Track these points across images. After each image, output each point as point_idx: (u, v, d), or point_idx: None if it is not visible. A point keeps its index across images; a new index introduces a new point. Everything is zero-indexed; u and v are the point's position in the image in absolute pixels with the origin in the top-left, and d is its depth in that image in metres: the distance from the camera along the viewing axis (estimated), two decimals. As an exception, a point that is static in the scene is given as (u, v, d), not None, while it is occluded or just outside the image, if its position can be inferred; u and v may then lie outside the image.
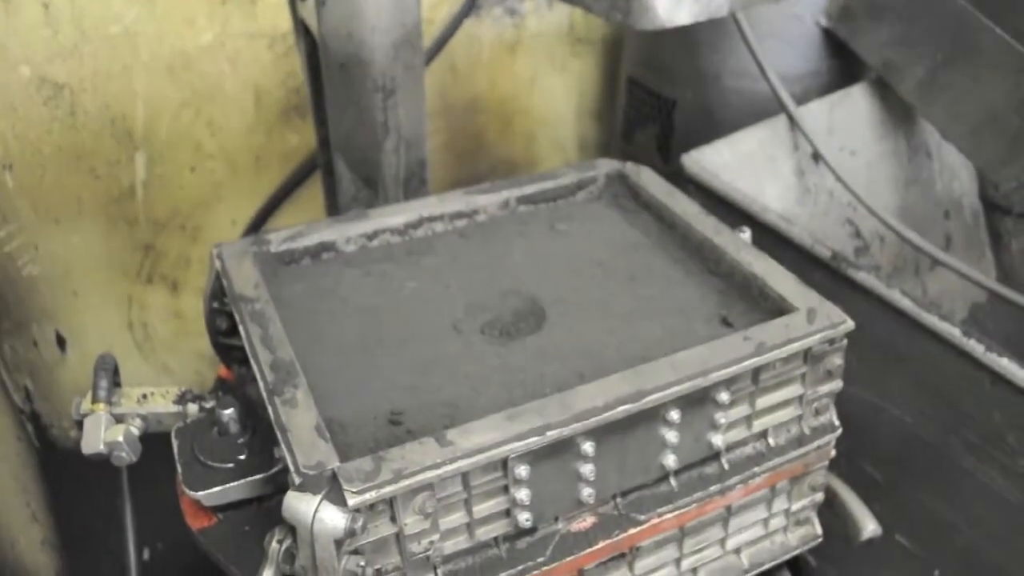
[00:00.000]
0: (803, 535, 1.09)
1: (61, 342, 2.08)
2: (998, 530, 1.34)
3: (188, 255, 2.13)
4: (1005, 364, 1.23)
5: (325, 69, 1.23)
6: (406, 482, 0.72)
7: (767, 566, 1.06)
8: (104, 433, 0.92)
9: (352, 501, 0.70)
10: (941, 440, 1.37)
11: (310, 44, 1.31)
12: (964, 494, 1.37)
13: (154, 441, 0.99)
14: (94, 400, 0.95)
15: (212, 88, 1.95)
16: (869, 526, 1.17)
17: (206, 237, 2.12)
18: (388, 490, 0.71)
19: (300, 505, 0.70)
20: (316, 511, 0.69)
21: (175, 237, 2.09)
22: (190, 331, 2.22)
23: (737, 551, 1.04)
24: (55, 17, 1.72)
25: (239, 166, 2.08)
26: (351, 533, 0.71)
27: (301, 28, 1.32)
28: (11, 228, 1.88)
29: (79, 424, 0.96)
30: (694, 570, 1.02)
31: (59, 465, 2.07)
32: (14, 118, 1.77)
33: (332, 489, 0.70)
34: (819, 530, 1.10)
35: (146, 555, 1.80)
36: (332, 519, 0.69)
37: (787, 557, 1.08)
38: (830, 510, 1.15)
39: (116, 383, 1.00)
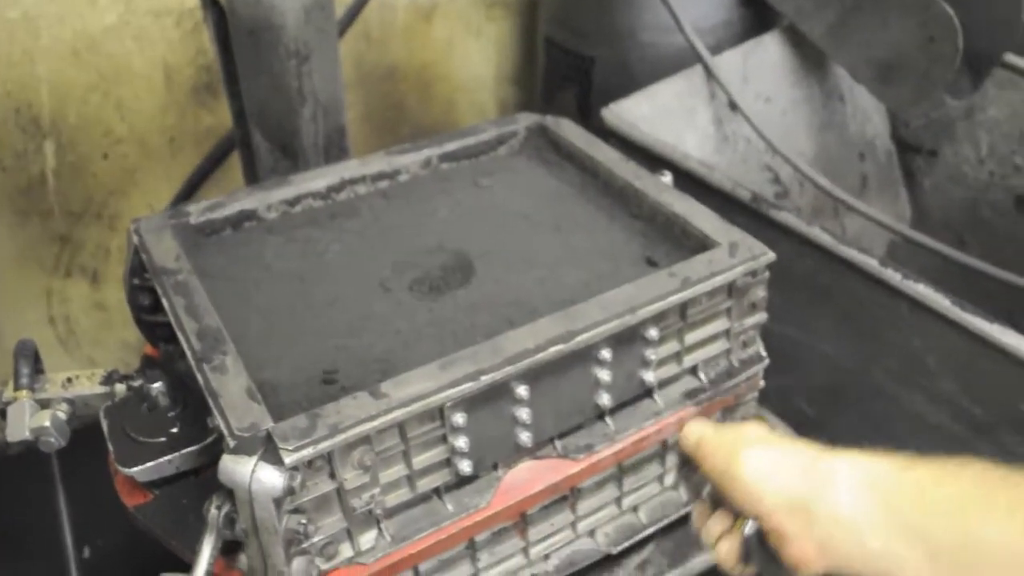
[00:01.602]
0: (739, 467, 1.11)
1: (-22, 340, 2.02)
2: (922, 451, 1.39)
3: (107, 245, 2.07)
4: (922, 290, 1.28)
5: (235, 37, 1.20)
6: (342, 436, 0.72)
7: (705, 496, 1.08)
8: (29, 420, 0.90)
9: (288, 459, 0.70)
10: (866, 370, 1.42)
11: (217, 13, 1.27)
12: (890, 419, 1.42)
13: (86, 438, 0.97)
14: (16, 387, 0.93)
15: (119, 69, 1.89)
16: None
17: (124, 225, 2.05)
18: (324, 446, 0.71)
19: (236, 467, 0.69)
20: (253, 472, 0.69)
21: (92, 227, 2.03)
22: (114, 322, 2.16)
23: (675, 486, 1.06)
24: (-55, 2, 1.65)
25: (153, 149, 2.02)
26: (290, 492, 0.70)
27: (207, -4, 1.29)
28: (-83, 227, 1.81)
29: (1, 413, 0.93)
30: (635, 508, 1.04)
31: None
32: (-90, 110, 1.70)
33: (267, 449, 0.70)
34: (753, 460, 1.13)
35: (86, 553, 1.76)
36: (269, 479, 0.69)
37: (725, 489, 1.10)
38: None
39: (39, 369, 0.97)
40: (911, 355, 1.34)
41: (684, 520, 1.12)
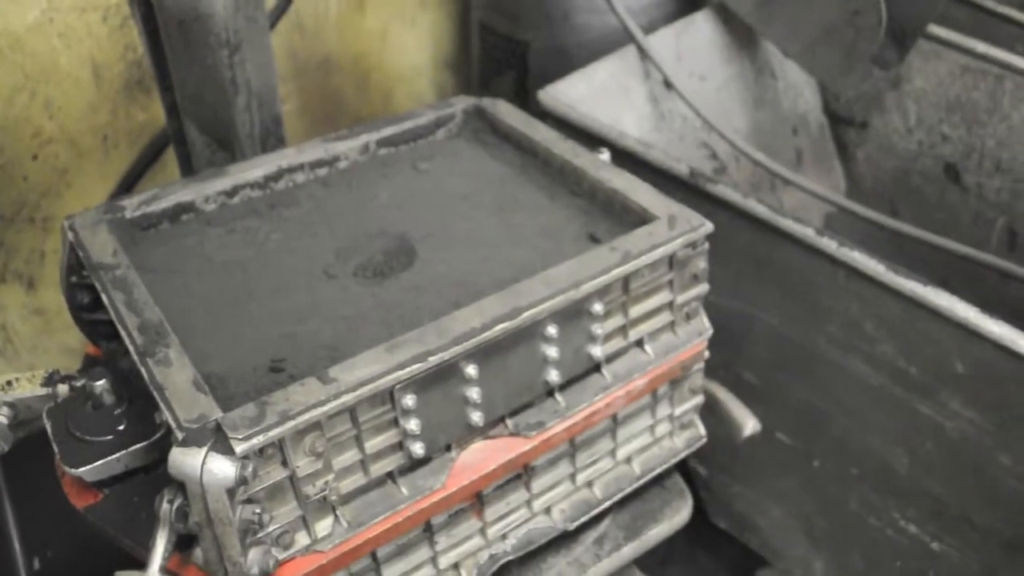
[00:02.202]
0: (688, 437, 1.13)
1: (-90, 355, 1.96)
2: (865, 414, 1.43)
3: (41, 248, 2.02)
4: (857, 257, 1.31)
5: (164, 29, 1.18)
6: (292, 423, 0.71)
7: (658, 471, 1.10)
8: (-32, 424, 0.88)
9: (239, 448, 0.69)
10: (807, 338, 1.45)
11: (145, 5, 1.25)
12: (833, 385, 1.45)
13: (31, 446, 0.95)
14: (-47, 392, 0.90)
15: (45, 68, 1.84)
16: (749, 423, 1.23)
17: (58, 227, 2.02)
18: (275, 433, 0.71)
19: (186, 459, 0.69)
20: (204, 463, 0.68)
21: (25, 231, 1.98)
22: (54, 327, 2.11)
23: (628, 460, 1.08)
24: None
25: (85, 149, 1.98)
26: (242, 481, 0.70)
27: (132, -11, 1.27)
28: None
29: (-60, 420, 0.91)
30: (589, 483, 1.05)
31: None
32: None
33: (217, 440, 0.69)
34: (703, 431, 1.15)
35: (36, 564, 1.73)
36: (221, 469, 0.68)
37: (676, 460, 1.12)
38: (712, 415, 1.20)
39: (-25, 374, 0.95)
40: (850, 321, 1.38)
41: (638, 494, 1.14)
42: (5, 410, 0.91)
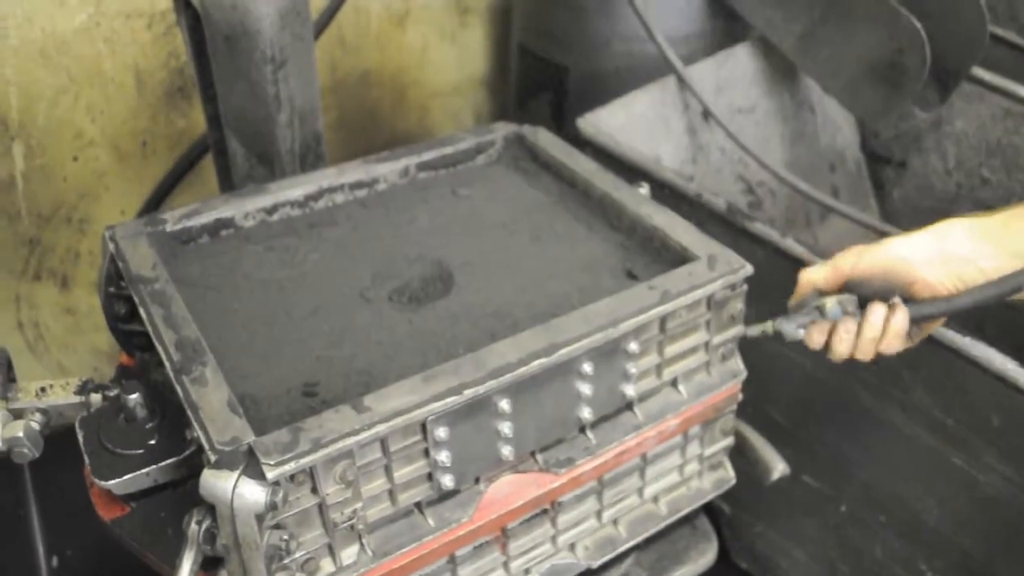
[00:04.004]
0: (717, 479, 1.12)
1: (-57, 347, 1.97)
2: (895, 462, 1.41)
3: (77, 248, 2.04)
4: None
5: (210, 43, 1.19)
6: (325, 451, 0.71)
7: (685, 511, 1.09)
8: (2, 430, 0.88)
9: (271, 474, 0.69)
10: (840, 381, 1.43)
11: (192, 17, 1.26)
12: (864, 431, 1.43)
13: (58, 444, 0.95)
14: (-12, 396, 0.91)
15: (90, 72, 1.87)
16: (779, 466, 1.21)
17: (94, 229, 2.04)
18: (307, 460, 0.70)
19: (218, 482, 0.68)
20: (235, 487, 0.68)
21: (62, 230, 2.00)
22: (84, 327, 2.13)
23: (655, 499, 1.07)
24: (-88, 2, 1.62)
25: (124, 153, 2.00)
26: (272, 507, 0.70)
27: (182, 1, 1.28)
28: None
29: (-27, 424, 0.91)
30: (615, 522, 1.04)
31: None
32: None
33: (249, 464, 0.69)
34: (732, 473, 1.14)
35: (55, 562, 1.74)
36: (252, 494, 0.68)
37: (703, 502, 1.11)
38: (741, 455, 1.19)
39: (11, 378, 0.95)
40: (886, 368, 1.36)
41: (663, 534, 1.13)
42: (38, 416, 0.92)
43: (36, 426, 0.91)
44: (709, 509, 1.44)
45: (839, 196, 2.20)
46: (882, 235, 1.86)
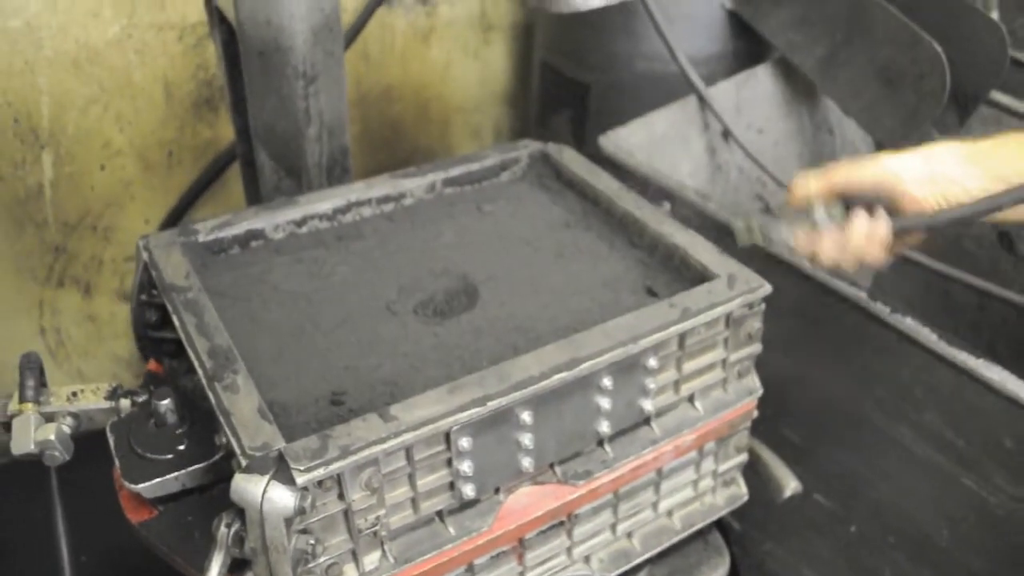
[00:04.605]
0: (730, 495, 1.14)
1: (-33, 352, 2.01)
2: (907, 482, 1.42)
3: (100, 256, 2.07)
4: (909, 324, 1.30)
5: (244, 57, 1.22)
6: (353, 458, 0.73)
7: (698, 526, 1.10)
8: (35, 433, 0.91)
9: (300, 479, 0.71)
10: (853, 400, 1.44)
11: (226, 32, 1.29)
12: (876, 450, 1.44)
13: (83, 447, 0.97)
14: (21, 400, 0.93)
15: (120, 82, 1.90)
16: (791, 484, 1.23)
17: (119, 238, 2.07)
18: (335, 467, 0.72)
19: (248, 486, 0.70)
20: (265, 491, 0.70)
21: (86, 238, 2.03)
22: (104, 334, 2.16)
23: (669, 514, 1.08)
24: (-50, 12, 1.66)
25: (151, 162, 2.03)
26: (301, 511, 0.72)
27: (216, 16, 1.31)
28: (-90, 233, 1.81)
29: (6, 426, 0.94)
30: (630, 535, 1.05)
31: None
32: (-90, 118, 1.71)
33: (279, 469, 0.71)
34: (744, 490, 1.15)
35: (83, 559, 1.76)
36: (281, 499, 0.70)
37: (716, 517, 1.13)
38: (754, 472, 1.20)
39: (42, 383, 0.98)
40: (899, 387, 1.37)
41: (676, 548, 1.14)
42: (69, 420, 0.94)
43: (67, 430, 0.93)
44: (719, 525, 1.46)
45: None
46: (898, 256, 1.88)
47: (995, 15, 1.87)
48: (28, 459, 0.92)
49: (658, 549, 1.06)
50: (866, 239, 0.99)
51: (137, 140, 1.98)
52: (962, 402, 1.29)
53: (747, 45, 2.01)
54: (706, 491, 1.11)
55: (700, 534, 1.16)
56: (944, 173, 0.97)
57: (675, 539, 1.08)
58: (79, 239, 2.01)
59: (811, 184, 1.02)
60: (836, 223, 0.99)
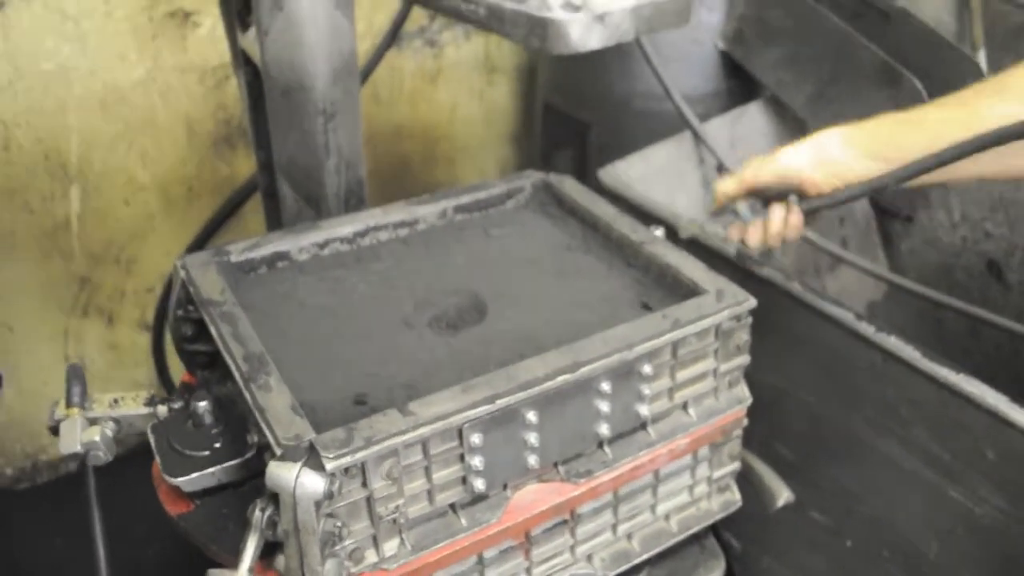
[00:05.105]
0: (724, 501, 1.20)
1: (-4, 378, 2.09)
2: (898, 496, 1.48)
3: (123, 287, 2.16)
4: (893, 342, 1.38)
5: (268, 96, 1.31)
6: (375, 448, 0.81)
7: (694, 530, 1.17)
8: (80, 435, 0.99)
9: (329, 465, 0.79)
10: (843, 417, 1.51)
11: (251, 73, 1.39)
12: (867, 466, 1.51)
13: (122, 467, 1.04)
14: (68, 405, 1.01)
15: (144, 121, 2.01)
16: (784, 494, 1.30)
17: (140, 269, 2.16)
18: (360, 455, 0.80)
19: (282, 472, 0.78)
20: (297, 477, 0.78)
21: (110, 270, 2.13)
22: (125, 362, 2.25)
23: (667, 517, 1.15)
24: (-11, 55, 1.77)
25: (172, 197, 2.13)
26: (329, 496, 0.79)
27: (241, 58, 1.41)
28: (-56, 264, 1.91)
29: (53, 430, 1.02)
30: (629, 536, 1.12)
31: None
32: (-52, 154, 1.81)
33: (310, 457, 0.79)
34: (738, 496, 1.22)
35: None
36: (312, 483, 0.78)
37: (711, 521, 1.19)
38: (748, 484, 1.27)
39: (86, 391, 1.06)
40: (885, 404, 1.44)
41: (674, 551, 1.21)
42: (111, 424, 1.02)
43: (110, 433, 1.02)
44: (719, 540, 1.52)
45: (848, 248, 2.30)
46: (890, 284, 1.96)
47: (982, 53, 1.97)
48: (75, 459, 1.00)
49: (656, 550, 1.13)
50: (783, 224, 1.17)
51: (159, 176, 2.08)
52: (946, 417, 1.36)
53: (740, 84, 2.12)
54: (701, 496, 1.18)
55: (697, 539, 1.23)
56: (831, 157, 1.13)
57: (672, 541, 1.15)
58: (103, 270, 2.10)
59: (729, 187, 1.20)
60: (757, 215, 1.17)
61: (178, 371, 1.72)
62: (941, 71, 1.83)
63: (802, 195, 1.16)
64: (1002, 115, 0.99)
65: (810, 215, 1.20)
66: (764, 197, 1.19)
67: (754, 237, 1.21)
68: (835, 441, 1.54)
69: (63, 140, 1.92)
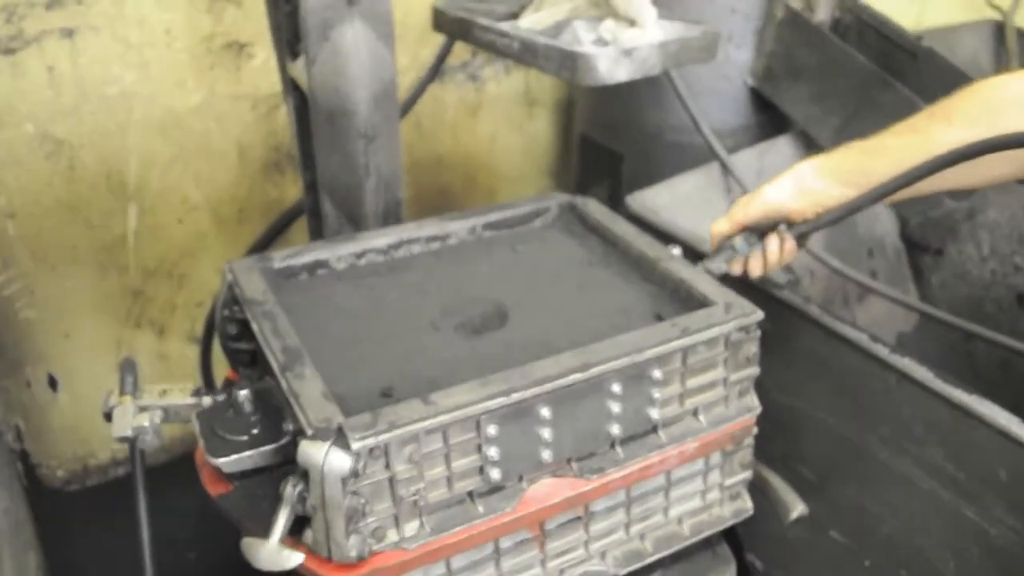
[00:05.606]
0: (736, 508, 1.25)
1: (53, 383, 2.20)
2: (913, 516, 1.51)
3: (174, 301, 2.27)
4: (907, 364, 1.42)
5: (314, 120, 1.41)
6: (398, 431, 0.88)
7: (705, 534, 1.22)
8: (132, 420, 1.08)
9: (355, 446, 0.86)
10: (860, 438, 1.55)
11: (299, 99, 1.49)
12: (884, 485, 1.54)
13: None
14: (121, 393, 1.10)
15: (199, 145, 2.12)
16: (798, 507, 1.34)
17: (191, 285, 2.27)
18: (384, 437, 0.88)
19: (313, 450, 0.86)
20: (326, 455, 0.86)
21: (162, 284, 2.23)
22: (174, 373, 2.34)
23: (679, 521, 1.21)
24: (58, 79, 1.89)
25: (223, 217, 2.24)
26: (354, 474, 0.87)
27: (290, 85, 1.51)
28: (10, 274, 2.02)
29: (107, 416, 1.11)
30: (642, 536, 1.18)
31: (44, 504, 2.18)
32: (18, 171, 1.92)
33: (338, 437, 0.87)
34: (750, 504, 1.27)
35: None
36: (339, 460, 0.86)
37: (723, 527, 1.24)
38: (763, 496, 1.32)
39: (137, 382, 1.15)
40: (901, 424, 1.47)
41: (686, 555, 1.26)
42: (159, 412, 1.11)
43: (158, 420, 1.10)
44: (741, 560, 1.55)
45: (878, 280, 2.33)
46: (920, 315, 1.98)
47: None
48: (126, 442, 1.08)
49: (668, 551, 1.18)
50: (779, 251, 1.27)
51: (212, 197, 2.19)
52: (959, 437, 1.39)
53: (769, 119, 2.17)
54: (713, 503, 1.23)
55: (709, 544, 1.28)
56: (809, 187, 1.22)
57: (684, 544, 1.20)
58: (156, 285, 2.21)
59: (722, 226, 1.29)
60: (753, 248, 1.26)
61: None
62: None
63: (789, 223, 1.26)
64: (954, 140, 1.09)
65: (801, 239, 1.30)
66: (756, 230, 1.28)
67: (755, 267, 1.29)
68: (853, 461, 1.58)
69: (123, 161, 2.03)
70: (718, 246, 1.29)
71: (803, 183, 1.23)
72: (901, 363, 1.42)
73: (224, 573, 2.10)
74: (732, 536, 1.41)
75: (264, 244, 2.25)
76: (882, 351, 1.44)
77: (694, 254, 1.54)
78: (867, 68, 1.95)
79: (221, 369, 2.12)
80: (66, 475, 2.30)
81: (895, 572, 1.56)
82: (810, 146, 2.13)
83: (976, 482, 1.39)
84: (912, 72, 1.97)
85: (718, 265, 1.26)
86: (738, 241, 1.27)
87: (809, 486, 1.65)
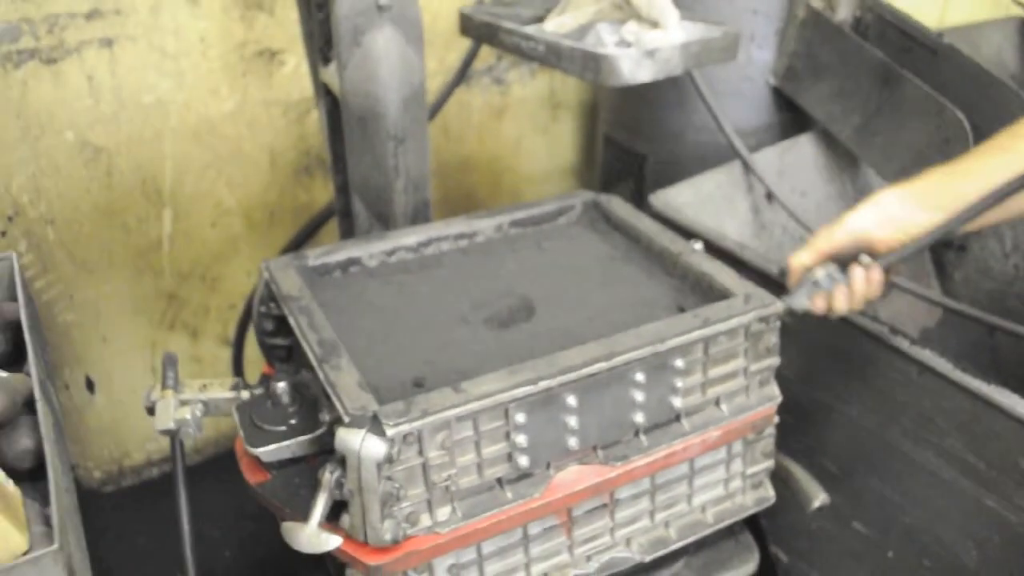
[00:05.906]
0: (758, 497, 1.28)
1: (90, 385, 2.26)
2: (936, 506, 1.53)
3: (207, 304, 2.32)
4: (928, 356, 1.44)
5: (345, 123, 1.46)
6: (430, 418, 0.92)
7: (728, 522, 1.25)
8: (174, 412, 1.12)
9: (390, 432, 0.90)
10: (883, 430, 1.57)
11: (331, 103, 1.54)
12: (906, 476, 1.56)
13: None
14: (163, 387, 1.15)
15: (232, 150, 2.17)
16: (820, 495, 1.36)
17: (223, 288, 2.32)
18: (417, 424, 0.92)
19: (350, 437, 0.90)
20: (363, 441, 0.90)
21: (196, 287, 2.29)
22: (207, 374, 2.40)
23: (703, 509, 1.24)
24: (97, 88, 1.95)
25: (254, 221, 2.29)
26: (389, 459, 0.91)
27: (323, 89, 1.56)
28: (50, 278, 2.08)
29: (150, 410, 1.16)
30: (667, 524, 1.21)
31: (82, 505, 2.24)
32: (57, 178, 1.98)
33: (374, 424, 0.91)
34: (772, 493, 1.30)
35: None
36: (375, 446, 0.90)
37: (745, 515, 1.27)
38: (785, 487, 1.35)
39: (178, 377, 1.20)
40: (922, 415, 1.49)
41: (710, 543, 1.29)
42: (200, 406, 1.16)
43: (199, 413, 1.15)
44: (766, 557, 1.58)
45: (900, 275, 2.34)
46: (944, 309, 2.00)
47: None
48: (168, 434, 1.13)
49: (692, 539, 1.22)
50: (866, 284, 1.21)
51: (244, 201, 2.24)
52: (980, 426, 1.41)
53: (791, 117, 2.19)
54: (736, 491, 1.26)
55: (732, 533, 1.31)
56: (893, 215, 1.19)
57: (707, 531, 1.23)
58: (190, 288, 2.26)
59: (804, 258, 1.24)
60: (838, 281, 1.20)
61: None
62: (986, 104, 1.89)
63: (872, 254, 1.21)
64: None
65: (888, 271, 1.25)
66: (837, 262, 1.23)
67: (841, 302, 1.23)
68: (875, 452, 1.60)
69: (159, 167, 2.09)
70: (799, 280, 1.23)
71: (887, 211, 1.20)
72: (922, 355, 1.44)
73: (258, 571, 2.16)
74: (756, 528, 1.43)
75: (295, 247, 2.30)
76: (902, 343, 1.46)
77: (776, 286, 1.56)
78: (888, 66, 1.97)
79: (252, 371, 2.18)
80: (102, 476, 2.36)
81: (918, 562, 1.58)
82: (830, 144, 2.15)
83: (996, 471, 1.41)
84: (934, 70, 1.98)
85: (800, 301, 1.20)
86: (820, 274, 1.21)
87: (832, 478, 1.68)
